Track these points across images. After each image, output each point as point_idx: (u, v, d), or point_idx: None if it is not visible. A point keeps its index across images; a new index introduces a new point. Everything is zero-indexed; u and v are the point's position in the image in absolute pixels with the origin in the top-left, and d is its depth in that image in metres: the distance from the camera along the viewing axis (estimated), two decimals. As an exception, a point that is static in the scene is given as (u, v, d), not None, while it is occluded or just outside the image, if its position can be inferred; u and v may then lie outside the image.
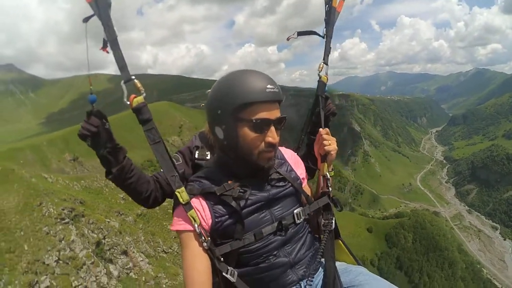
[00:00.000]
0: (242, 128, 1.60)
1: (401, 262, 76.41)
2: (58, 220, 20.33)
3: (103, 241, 22.48)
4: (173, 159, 1.74)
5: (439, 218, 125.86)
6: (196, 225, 1.58)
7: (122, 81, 1.58)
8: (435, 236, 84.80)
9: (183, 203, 1.59)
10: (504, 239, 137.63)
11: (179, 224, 1.64)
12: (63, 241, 19.55)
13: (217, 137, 1.70)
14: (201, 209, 1.64)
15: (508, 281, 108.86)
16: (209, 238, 1.60)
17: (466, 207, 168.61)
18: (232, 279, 1.58)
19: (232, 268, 1.61)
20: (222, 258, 1.62)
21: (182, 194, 1.60)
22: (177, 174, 1.64)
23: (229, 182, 1.68)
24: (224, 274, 1.57)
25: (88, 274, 19.66)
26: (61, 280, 18.43)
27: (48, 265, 18.25)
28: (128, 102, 1.59)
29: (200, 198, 1.65)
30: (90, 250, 20.81)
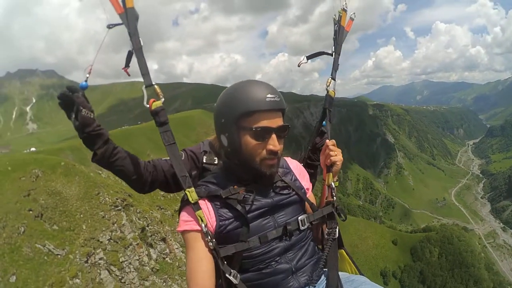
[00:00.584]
0: (244, 136, 1.66)
1: (424, 277, 74.51)
2: (112, 207, 24.24)
3: (146, 228, 26.07)
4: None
5: (467, 234, 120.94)
6: (203, 225, 1.61)
7: (144, 86, 1.72)
8: (462, 252, 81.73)
9: (192, 202, 1.64)
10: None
11: (186, 224, 1.68)
12: (115, 224, 23.39)
13: (223, 144, 1.79)
14: (207, 211, 1.68)
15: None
16: (214, 240, 1.63)
17: (501, 224, 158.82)
18: (235, 281, 1.59)
19: (235, 271, 1.63)
20: (225, 261, 1.64)
21: (191, 193, 1.66)
22: (187, 175, 1.71)
23: (235, 187, 1.74)
24: (227, 275, 1.59)
25: (133, 253, 23.35)
26: (111, 255, 22.20)
27: (101, 242, 22.11)
28: (148, 105, 1.72)
29: (206, 201, 1.70)
30: (136, 233, 24.52)
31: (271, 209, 1.76)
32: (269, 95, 1.64)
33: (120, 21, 1.70)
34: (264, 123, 1.64)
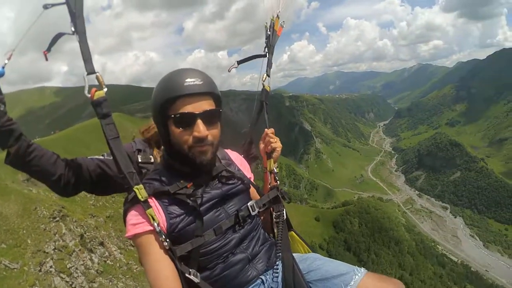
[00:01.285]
0: (170, 125, 1.60)
1: (348, 244, 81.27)
2: (51, 219, 25.91)
3: (84, 235, 28.12)
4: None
5: (384, 203, 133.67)
6: (155, 224, 1.51)
7: (85, 73, 1.52)
8: (380, 219, 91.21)
9: (142, 200, 1.52)
10: (455, 217, 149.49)
11: (136, 227, 1.55)
12: (56, 235, 25.38)
13: (159, 137, 1.76)
14: (156, 210, 1.58)
15: (463, 254, 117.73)
16: (168, 239, 1.54)
17: (416, 192, 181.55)
18: (196, 280, 1.53)
19: (195, 270, 1.57)
20: (182, 261, 1.57)
21: (141, 191, 1.53)
22: (134, 171, 1.57)
23: (181, 181, 1.66)
24: (187, 275, 1.52)
25: (77, 258, 25.63)
26: (59, 263, 24.49)
27: (47, 252, 24.13)
28: (89, 95, 1.53)
29: (153, 199, 1.59)
30: (77, 240, 26.75)
31: (221, 200, 1.76)
32: (188, 79, 1.58)
33: (61, 1, 1.52)
34: (186, 108, 1.58)
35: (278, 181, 2.06)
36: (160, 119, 1.65)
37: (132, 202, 1.58)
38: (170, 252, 1.55)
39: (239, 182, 1.88)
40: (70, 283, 24.30)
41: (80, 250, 26.47)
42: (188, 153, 1.63)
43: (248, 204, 1.84)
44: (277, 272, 1.75)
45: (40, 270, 22.98)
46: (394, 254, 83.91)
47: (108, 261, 29.17)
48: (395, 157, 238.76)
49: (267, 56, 2.48)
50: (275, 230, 1.91)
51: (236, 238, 1.74)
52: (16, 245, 23.94)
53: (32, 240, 24.79)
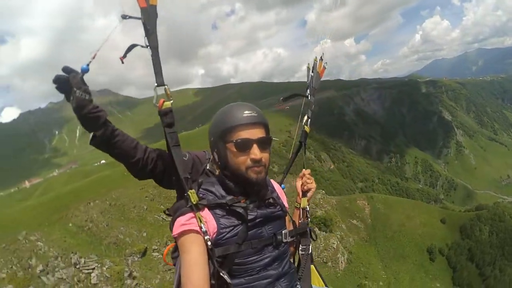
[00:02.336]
0: (229, 149, 1.82)
1: (472, 254, 69.49)
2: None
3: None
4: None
5: None
6: (202, 225, 1.70)
7: (155, 85, 1.74)
8: None
9: (194, 203, 1.73)
10: None
11: (183, 226, 1.73)
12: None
13: (216, 161, 1.95)
14: (208, 217, 1.77)
15: None
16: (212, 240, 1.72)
17: None
18: (229, 280, 1.67)
19: (227, 274, 1.71)
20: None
21: (193, 195, 1.74)
22: (190, 177, 1.81)
23: (234, 197, 1.85)
24: (221, 274, 1.67)
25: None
26: None
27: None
28: (157, 105, 1.75)
29: (206, 209, 1.78)
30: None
31: (264, 220, 1.92)
32: (246, 112, 1.83)
33: (138, 15, 1.72)
34: (244, 134, 1.80)
35: (309, 218, 2.29)
36: (221, 144, 1.86)
37: (182, 207, 1.80)
38: (210, 251, 1.70)
39: (280, 208, 2.04)
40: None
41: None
42: (245, 173, 1.82)
43: (283, 231, 2.00)
44: None
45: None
46: (523, 275, 69.40)
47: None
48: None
49: (309, 97, 2.60)
50: (300, 261, 2.15)
51: (271, 257, 1.89)
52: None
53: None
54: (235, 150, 1.81)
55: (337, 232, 53.41)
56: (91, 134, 1.75)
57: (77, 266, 27.03)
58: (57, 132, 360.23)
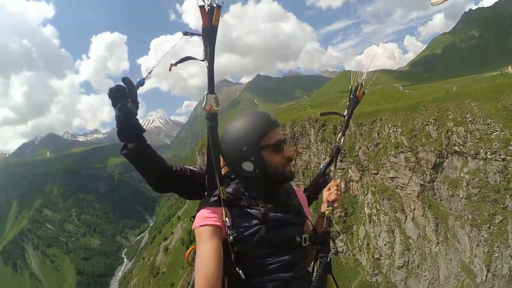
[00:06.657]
0: (267, 153, 1.90)
1: None
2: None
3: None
4: (196, 167, 2.16)
5: None
6: (226, 219, 1.79)
7: (206, 92, 1.81)
8: None
9: (223, 197, 1.82)
10: None
11: (205, 219, 1.81)
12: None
13: (245, 172, 1.94)
14: (228, 215, 1.84)
15: None
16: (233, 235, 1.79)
17: None
18: (243, 276, 1.74)
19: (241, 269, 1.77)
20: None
21: (223, 190, 1.84)
22: (221, 174, 1.89)
23: (253, 200, 1.93)
24: (237, 269, 1.74)
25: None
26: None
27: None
28: (206, 109, 1.82)
29: (226, 208, 1.84)
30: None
31: (283, 223, 1.94)
32: (271, 116, 1.95)
33: (199, 32, 1.79)
34: (278, 136, 1.92)
35: (331, 228, 2.28)
36: (255, 151, 1.89)
37: (206, 201, 1.89)
38: (230, 245, 1.78)
39: (300, 214, 2.10)
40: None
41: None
42: (283, 172, 1.94)
43: (302, 235, 2.01)
44: None
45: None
46: None
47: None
48: None
49: (345, 118, 2.67)
50: (317, 268, 2.11)
51: (287, 259, 1.90)
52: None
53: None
54: (273, 152, 1.91)
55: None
56: (122, 144, 1.85)
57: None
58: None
